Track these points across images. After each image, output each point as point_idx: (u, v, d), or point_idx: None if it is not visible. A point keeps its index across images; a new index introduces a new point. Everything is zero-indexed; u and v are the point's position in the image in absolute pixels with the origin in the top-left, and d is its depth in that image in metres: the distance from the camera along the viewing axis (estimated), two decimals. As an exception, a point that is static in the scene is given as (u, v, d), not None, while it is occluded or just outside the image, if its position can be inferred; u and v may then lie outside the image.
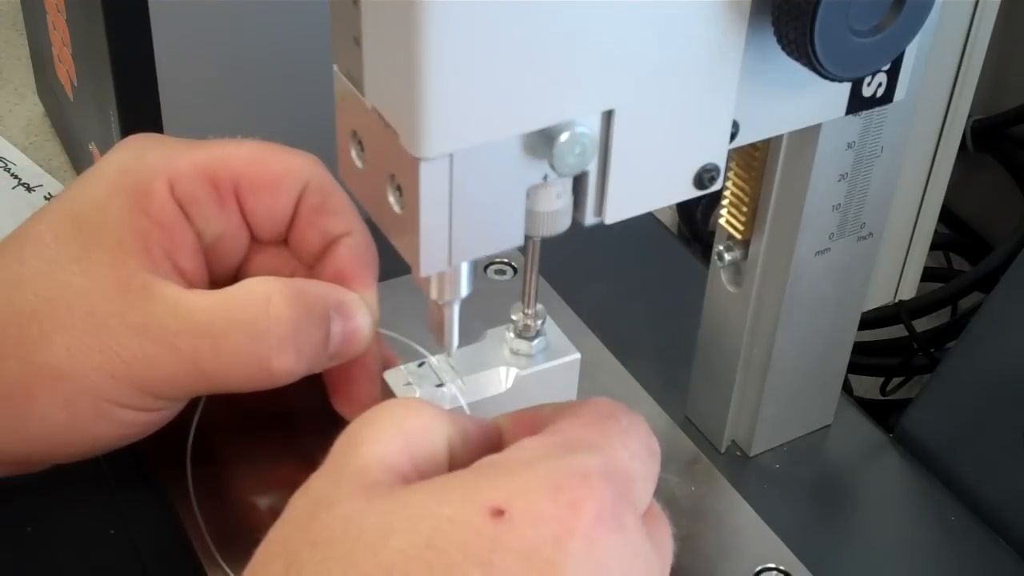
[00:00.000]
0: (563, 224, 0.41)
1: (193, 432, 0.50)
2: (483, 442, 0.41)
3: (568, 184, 0.40)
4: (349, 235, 0.49)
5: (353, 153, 0.40)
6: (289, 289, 0.46)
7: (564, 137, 0.37)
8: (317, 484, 0.38)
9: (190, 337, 0.45)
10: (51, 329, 0.45)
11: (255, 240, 0.51)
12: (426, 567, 0.34)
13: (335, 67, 0.39)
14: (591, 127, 0.38)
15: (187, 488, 0.50)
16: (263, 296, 0.46)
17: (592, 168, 0.39)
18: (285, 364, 0.46)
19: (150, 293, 0.45)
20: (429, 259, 0.38)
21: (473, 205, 0.38)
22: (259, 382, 0.46)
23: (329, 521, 0.36)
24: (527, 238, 0.40)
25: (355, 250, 0.49)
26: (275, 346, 0.45)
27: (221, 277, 0.50)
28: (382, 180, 0.39)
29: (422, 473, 0.38)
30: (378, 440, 0.38)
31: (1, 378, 0.45)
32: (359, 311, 0.48)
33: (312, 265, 0.50)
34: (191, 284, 0.48)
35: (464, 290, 0.43)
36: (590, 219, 0.41)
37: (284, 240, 0.51)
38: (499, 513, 0.35)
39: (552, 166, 0.38)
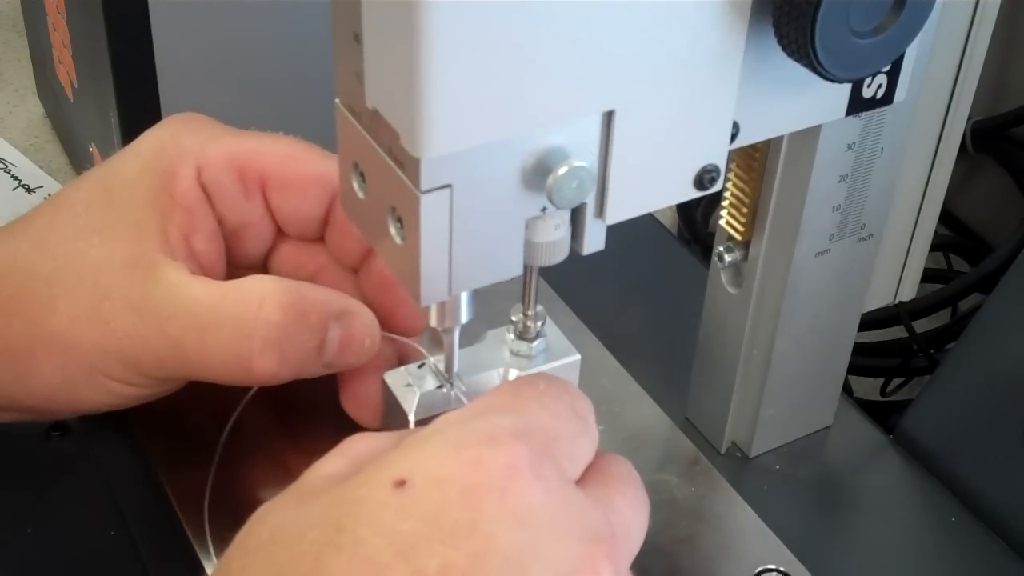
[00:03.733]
0: (561, 254, 0.41)
1: (224, 438, 0.51)
2: None
3: (566, 215, 0.40)
4: (374, 260, 0.50)
5: (355, 184, 0.41)
6: (286, 294, 0.46)
7: (562, 171, 0.38)
8: (262, 506, 0.38)
9: (180, 324, 0.46)
10: (59, 295, 0.46)
11: (283, 233, 0.51)
12: (335, 549, 0.34)
13: (336, 101, 0.40)
14: (589, 161, 0.39)
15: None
16: (257, 297, 0.46)
17: (590, 200, 0.40)
18: (267, 367, 0.46)
19: (155, 274, 0.46)
20: (429, 290, 0.39)
21: (473, 237, 0.39)
22: (241, 379, 0.47)
23: (259, 530, 0.36)
24: (525, 268, 0.41)
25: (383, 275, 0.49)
26: (258, 348, 0.46)
27: (247, 265, 0.51)
28: (382, 212, 0.39)
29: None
30: (323, 462, 0.38)
31: (10, 336, 0.47)
32: (362, 322, 0.48)
33: (356, 269, 0.51)
34: (205, 268, 0.48)
35: (464, 317, 0.44)
36: (588, 249, 0.41)
37: (314, 237, 0.51)
38: (402, 483, 0.35)
39: (550, 199, 0.38)
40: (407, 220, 0.38)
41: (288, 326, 0.46)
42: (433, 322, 0.45)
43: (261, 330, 0.46)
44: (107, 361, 0.47)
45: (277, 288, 0.46)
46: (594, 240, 0.41)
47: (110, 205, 0.48)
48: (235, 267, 0.50)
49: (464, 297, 0.44)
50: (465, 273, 0.39)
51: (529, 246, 0.40)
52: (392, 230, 0.39)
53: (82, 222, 0.48)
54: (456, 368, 0.47)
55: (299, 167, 0.49)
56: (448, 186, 0.37)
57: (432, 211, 0.37)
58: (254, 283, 0.47)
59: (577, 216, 0.41)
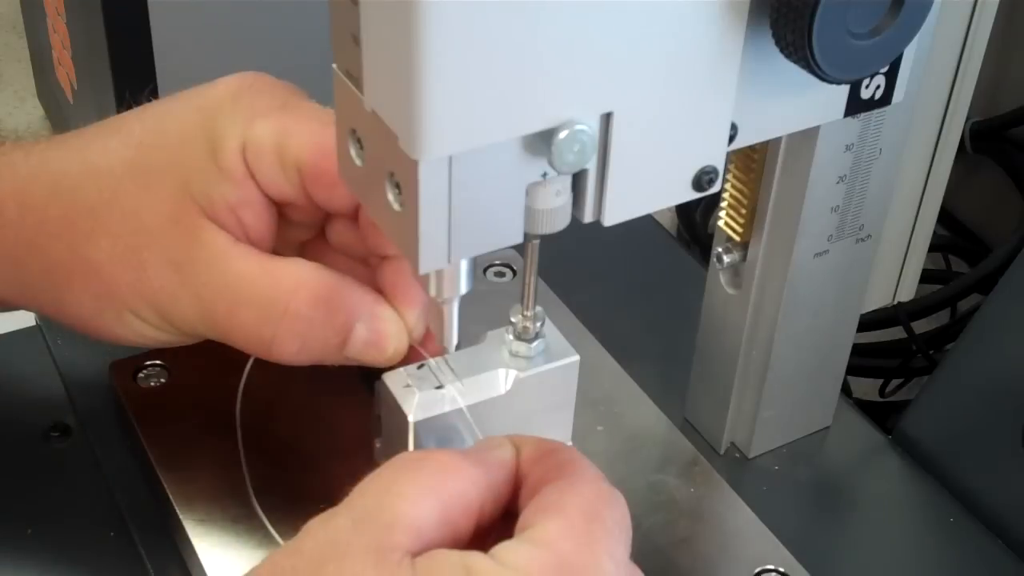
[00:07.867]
0: (562, 222, 0.41)
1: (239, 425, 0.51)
2: (509, 496, 0.41)
3: (567, 182, 0.40)
4: (396, 259, 0.49)
5: (352, 151, 0.40)
6: (321, 288, 0.47)
7: (563, 135, 0.37)
8: (340, 523, 0.38)
9: (213, 291, 0.47)
10: (101, 232, 0.47)
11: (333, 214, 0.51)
12: None
13: (334, 66, 0.39)
14: (590, 125, 0.38)
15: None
16: (292, 285, 0.47)
17: (591, 167, 0.39)
18: (285, 351, 0.47)
19: (197, 236, 0.47)
20: (428, 256, 0.39)
21: (472, 203, 0.38)
22: (262, 355, 0.48)
23: (337, 573, 0.36)
24: (526, 236, 0.40)
25: (398, 275, 0.49)
26: (280, 334, 0.46)
27: (303, 241, 0.51)
28: (381, 178, 0.39)
29: (445, 540, 0.38)
30: (413, 500, 0.38)
31: (50, 254, 0.48)
32: (388, 324, 0.48)
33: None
34: (253, 240, 0.48)
35: (463, 287, 0.43)
36: (589, 217, 0.41)
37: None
38: None
39: (551, 164, 0.38)
40: (405, 186, 0.38)
41: (313, 320, 0.47)
42: (432, 292, 0.44)
43: (287, 318, 0.46)
44: (139, 304, 0.47)
45: (313, 278, 0.47)
46: (596, 207, 0.41)
47: (161, 150, 0.47)
48: (285, 243, 0.50)
49: (464, 266, 0.43)
50: (465, 240, 0.39)
51: (530, 213, 0.40)
52: (390, 196, 0.38)
53: (132, 155, 0.48)
54: (455, 341, 0.46)
55: (329, 158, 0.48)
56: (447, 156, 0.37)
57: (431, 176, 0.37)
58: (292, 268, 0.47)
59: (578, 182, 0.40)
